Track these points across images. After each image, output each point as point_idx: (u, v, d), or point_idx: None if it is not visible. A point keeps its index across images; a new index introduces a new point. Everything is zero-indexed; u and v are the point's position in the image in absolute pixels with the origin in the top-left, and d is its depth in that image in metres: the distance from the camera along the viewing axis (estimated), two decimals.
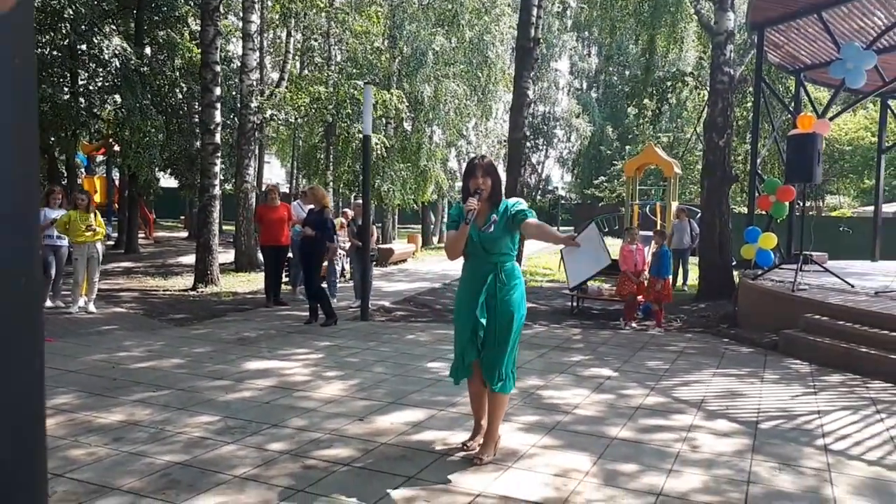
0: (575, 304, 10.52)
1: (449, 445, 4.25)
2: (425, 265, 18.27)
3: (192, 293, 11.21)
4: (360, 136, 9.33)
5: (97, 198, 23.07)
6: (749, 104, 14.97)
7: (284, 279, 11.55)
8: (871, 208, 21.24)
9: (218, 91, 12.59)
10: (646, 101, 15.76)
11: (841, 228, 16.32)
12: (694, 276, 13.41)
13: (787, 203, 9.70)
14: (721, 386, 5.98)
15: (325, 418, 4.73)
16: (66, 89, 16.44)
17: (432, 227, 27.76)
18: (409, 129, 22.24)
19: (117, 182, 23.02)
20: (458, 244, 3.86)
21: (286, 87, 18.30)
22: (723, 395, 5.68)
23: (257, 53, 16.88)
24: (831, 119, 9.58)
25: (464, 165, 22.97)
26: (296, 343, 7.33)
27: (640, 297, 9.51)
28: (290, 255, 10.65)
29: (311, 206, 8.79)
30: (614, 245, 20.98)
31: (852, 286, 8.55)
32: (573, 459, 4.08)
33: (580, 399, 5.41)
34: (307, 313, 8.61)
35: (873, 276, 9.84)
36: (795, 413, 5.18)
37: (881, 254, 12.50)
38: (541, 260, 19.22)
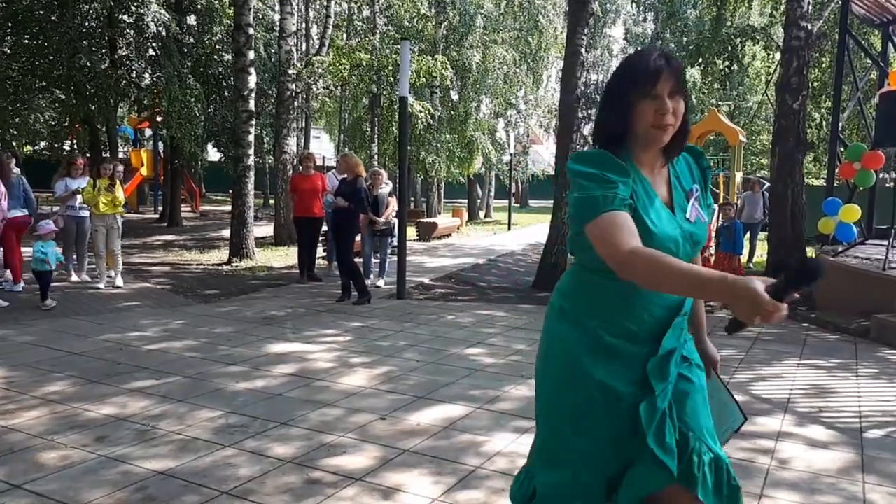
0: None
1: (487, 454, 3.55)
2: (471, 240, 17.54)
3: (225, 268, 10.77)
4: None
5: (144, 171, 23.04)
6: (825, 65, 13.62)
7: (322, 253, 11.00)
8: None
9: (251, 55, 12.00)
10: (714, 60, 14.47)
11: None
12: (761, 253, 12.32)
13: (873, 171, 8.58)
14: (808, 381, 5.11)
15: (342, 416, 4.08)
16: (105, 59, 16.16)
17: (479, 200, 26.94)
18: (457, 99, 21.37)
19: (162, 155, 22.90)
20: (668, 263, 1.50)
21: (327, 54, 17.65)
22: (812, 392, 4.82)
23: (295, 17, 16.19)
24: None
25: (513, 136, 21.80)
26: (324, 323, 6.72)
27: None
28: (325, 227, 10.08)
29: (345, 176, 8.13)
30: None
31: None
32: None
33: None
34: (339, 291, 8.00)
35: None
36: None
37: None
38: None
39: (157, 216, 21.60)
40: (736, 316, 1.42)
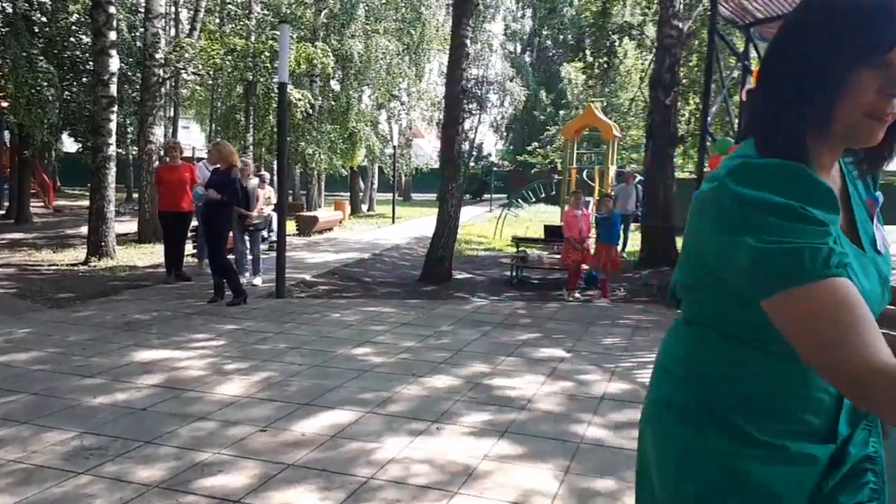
0: (514, 273, 9.73)
1: (379, 462, 3.31)
2: (354, 234, 17.16)
3: (82, 268, 9.78)
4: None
5: None
6: (693, 63, 14.42)
7: (192, 251, 10.28)
8: None
9: (113, 36, 10.97)
10: (591, 57, 14.94)
11: None
12: (634, 243, 12.86)
13: None
14: None
15: (217, 429, 3.69)
16: None
17: (362, 193, 26.51)
18: (338, 89, 20.82)
19: (9, 145, 20.70)
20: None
21: (199, 39, 16.58)
22: None
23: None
24: None
25: (397, 128, 21.41)
26: (194, 327, 6.19)
27: (583, 266, 8.78)
28: (195, 222, 9.38)
29: (217, 166, 7.56)
30: (550, 212, 20.47)
31: None
32: (535, 475, 3.22)
33: (535, 388, 4.57)
34: (212, 291, 7.44)
35: None
36: None
37: None
38: (474, 228, 18.41)
39: (1, 212, 19.52)
40: None
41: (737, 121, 9.83)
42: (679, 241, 11.35)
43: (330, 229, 17.44)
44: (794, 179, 0.96)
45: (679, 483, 1.14)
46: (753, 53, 9.80)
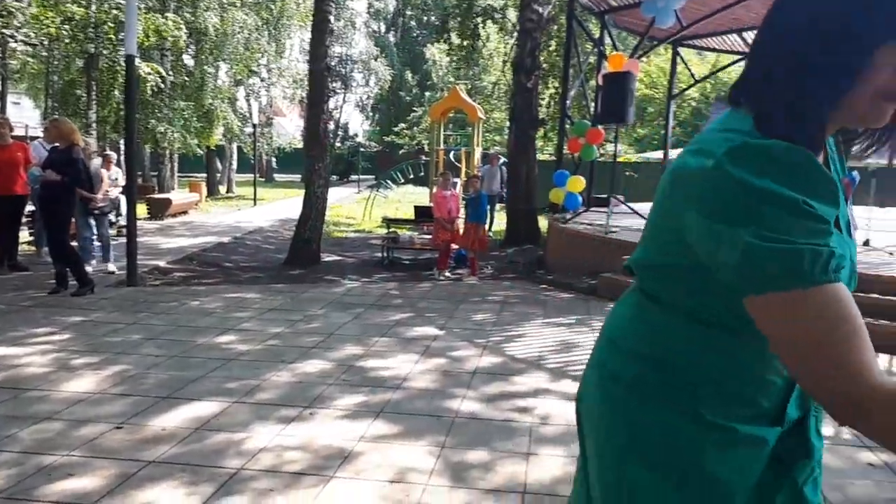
0: (385, 254, 9.69)
1: (250, 452, 3.16)
2: (212, 217, 16.33)
3: None
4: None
5: None
6: (553, 47, 14.94)
7: (28, 238, 9.32)
8: (650, 154, 22.94)
9: None
10: (455, 38, 15.06)
11: (627, 173, 17.20)
12: (499, 223, 13.23)
13: (594, 146, 9.58)
14: (554, 338, 5.48)
15: (66, 430, 3.37)
16: None
17: (220, 174, 25.26)
18: (192, 64, 19.61)
19: None
20: None
21: (30, 5, 14.95)
22: (559, 348, 5.17)
23: None
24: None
25: (256, 106, 20.54)
26: (34, 321, 5.61)
27: (454, 245, 8.91)
28: (31, 207, 8.50)
29: (56, 144, 6.86)
30: (418, 193, 20.57)
31: None
32: (412, 454, 3.22)
33: (409, 367, 4.57)
34: (53, 280, 6.78)
35: None
36: None
37: None
38: (343, 209, 18.15)
39: None
40: None
41: (593, 105, 10.33)
42: (542, 221, 11.82)
43: (185, 212, 16.50)
44: (799, 168, 0.86)
45: (623, 460, 1.09)
46: (608, 40, 10.31)
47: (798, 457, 1.08)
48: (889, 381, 0.81)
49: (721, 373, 1.04)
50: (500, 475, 3.03)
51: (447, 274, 8.56)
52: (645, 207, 10.43)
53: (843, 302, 0.84)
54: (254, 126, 22.15)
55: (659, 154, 16.45)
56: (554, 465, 3.15)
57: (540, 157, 17.09)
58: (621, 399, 1.10)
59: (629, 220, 9.23)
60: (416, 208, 10.89)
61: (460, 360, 4.81)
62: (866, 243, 6.92)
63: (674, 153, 18.18)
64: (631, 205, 9.98)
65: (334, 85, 29.60)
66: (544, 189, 11.43)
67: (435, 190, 9.72)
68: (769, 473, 1.06)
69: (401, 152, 30.97)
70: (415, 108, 31.97)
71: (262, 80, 24.01)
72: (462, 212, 9.18)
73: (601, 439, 1.13)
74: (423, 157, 22.34)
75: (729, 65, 13.78)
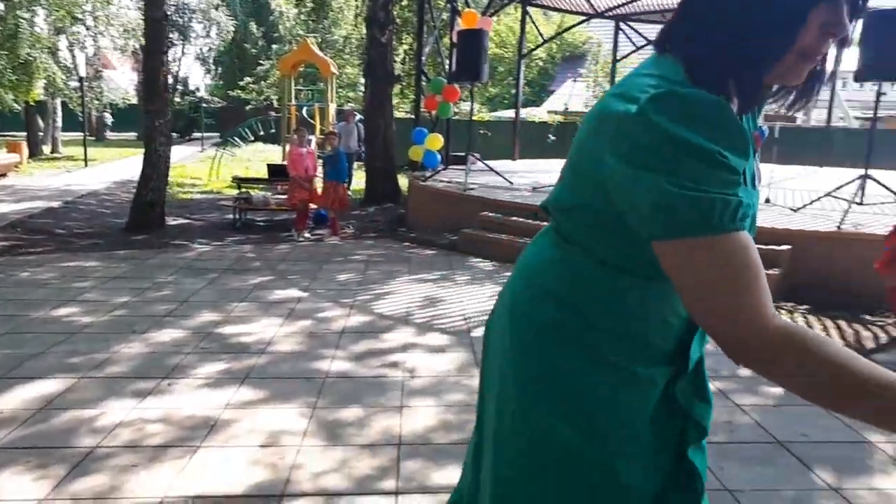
0: (237, 216, 9.27)
1: (105, 429, 2.94)
2: (36, 180, 14.74)
3: None
4: None
5: None
6: (405, 1, 14.74)
7: None
8: (502, 113, 23.57)
9: None
10: None
11: (482, 132, 17.57)
12: (358, 181, 13.07)
13: (451, 103, 9.67)
14: (420, 294, 5.55)
15: None
16: None
17: (42, 133, 22.75)
18: (3, 9, 17.28)
19: None
20: None
21: None
22: (425, 304, 5.25)
23: None
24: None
25: (82, 57, 18.61)
26: None
27: (312, 205, 8.69)
28: None
29: None
30: (270, 151, 19.72)
31: (511, 183, 8.95)
32: (282, 417, 3.15)
33: (273, 331, 4.44)
34: None
35: (521, 173, 10.54)
36: None
37: (519, 154, 13.69)
38: (187, 169, 17.05)
39: None
40: None
41: (447, 62, 10.37)
42: (401, 180, 11.82)
43: (3, 175, 14.77)
44: (718, 120, 0.88)
45: (527, 398, 1.10)
46: None
47: (695, 394, 1.14)
48: (784, 322, 0.88)
49: (627, 316, 1.07)
50: (375, 430, 3.05)
51: (307, 235, 8.36)
52: (500, 165, 10.75)
53: (747, 249, 0.89)
54: (80, 79, 20.08)
55: (511, 113, 16.92)
56: (427, 415, 3.22)
57: (397, 114, 17.03)
58: (531, 338, 1.10)
59: (486, 177, 9.47)
60: (270, 167, 10.47)
61: (327, 320, 4.74)
62: (767, 201, 7.30)
63: (525, 112, 18.85)
64: (487, 163, 10.20)
65: (172, 36, 27.47)
66: (403, 147, 11.40)
67: (289, 147, 9.37)
68: (664, 410, 1.11)
69: (248, 108, 29.45)
70: (261, 62, 30.42)
71: (88, 28, 21.69)
72: (320, 170, 8.96)
73: (507, 374, 1.14)
74: (273, 114, 21.44)
75: (573, 25, 14.32)
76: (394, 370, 3.81)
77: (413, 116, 10.61)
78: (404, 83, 14.94)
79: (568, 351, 1.07)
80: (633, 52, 12.74)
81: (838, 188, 7.02)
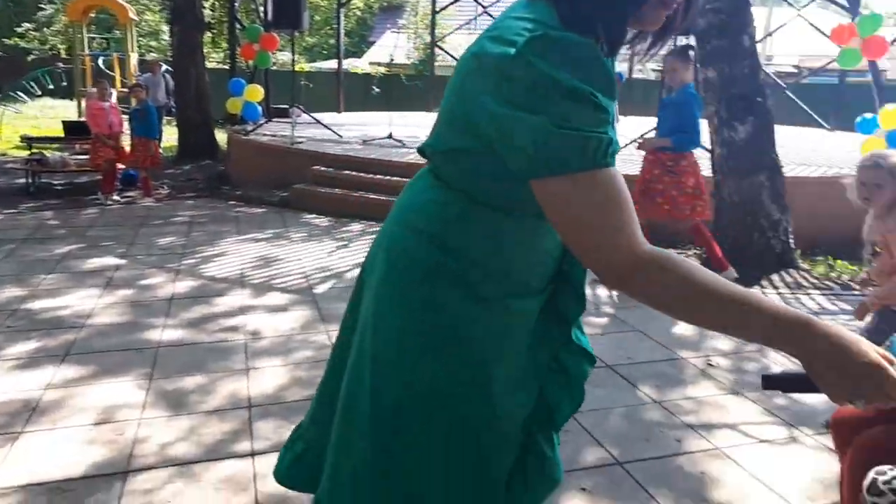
0: (30, 180, 8.22)
1: None
2: None
3: None
4: None
5: None
6: None
7: None
8: (322, 64, 22.86)
9: None
10: None
11: (303, 83, 16.97)
12: (169, 137, 12.09)
13: (269, 52, 9.21)
14: (253, 254, 5.33)
15: None
16: None
17: None
18: None
19: None
20: None
21: None
22: (259, 264, 5.05)
23: None
24: None
25: None
26: None
27: (119, 165, 7.92)
28: None
29: None
30: (62, 106, 17.57)
31: (341, 137, 8.78)
32: (115, 391, 2.92)
33: (91, 303, 4.05)
34: None
35: (349, 125, 10.35)
36: (341, 270, 4.92)
37: (344, 106, 13.41)
38: None
39: None
40: (814, 379, 0.91)
41: (262, 9, 9.80)
42: (219, 134, 11.11)
43: None
44: (591, 63, 0.93)
45: (409, 343, 1.12)
46: None
47: (572, 305, 1.22)
48: (651, 247, 0.96)
49: (507, 255, 1.11)
50: (222, 395, 2.92)
51: (116, 197, 7.62)
52: (326, 118, 10.46)
53: (618, 183, 0.96)
54: None
55: (331, 64, 16.48)
56: (275, 375, 3.14)
57: (208, 64, 15.88)
58: (412, 281, 1.11)
59: (313, 130, 9.20)
60: (66, 124, 9.38)
61: (152, 287, 4.41)
62: None
63: (347, 64, 18.41)
64: (314, 115, 9.87)
65: None
66: (218, 99, 10.70)
67: (86, 102, 8.41)
68: (545, 325, 1.19)
69: (30, 58, 25.96)
70: (42, 6, 26.82)
71: None
72: (126, 126, 8.17)
73: (385, 318, 1.14)
74: (61, 65, 19.11)
75: None
76: (234, 334, 3.65)
77: (227, 67, 9.94)
78: (215, 31, 13.91)
79: (449, 292, 1.10)
80: (453, 2, 12.84)
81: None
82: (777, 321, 0.91)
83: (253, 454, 2.47)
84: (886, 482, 1.46)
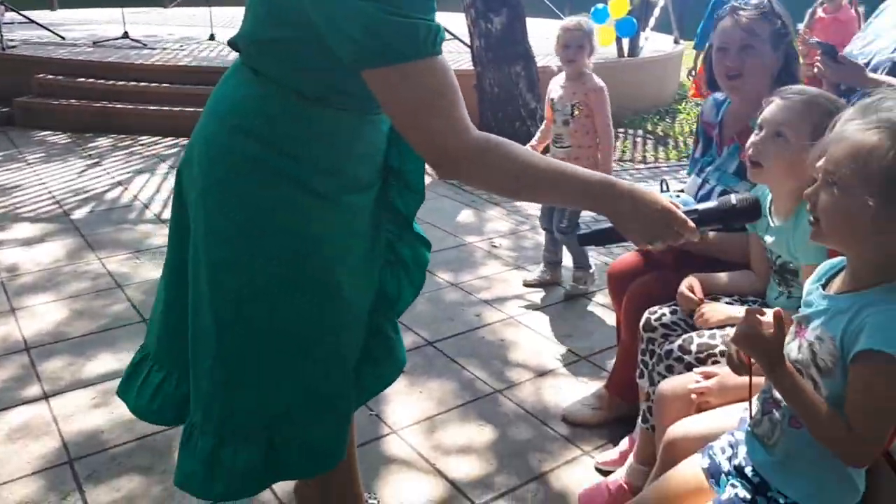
0: None
1: None
2: None
3: None
4: None
5: None
6: None
7: None
8: None
9: None
10: None
11: None
12: None
13: None
14: None
15: None
16: None
17: None
18: None
19: None
20: None
21: None
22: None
23: None
24: None
25: None
26: None
27: None
28: None
29: None
30: None
31: (64, 38, 7.59)
32: None
33: None
34: None
35: (70, 25, 8.90)
36: (98, 191, 4.40)
37: (60, 3, 11.49)
38: None
39: None
40: (620, 230, 1.12)
41: None
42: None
43: None
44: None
45: (240, 242, 1.10)
46: None
47: (410, 198, 1.27)
48: (479, 133, 1.01)
49: (330, 148, 1.10)
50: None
51: None
52: (39, 17, 8.87)
53: (448, 71, 0.98)
54: None
55: None
56: (49, 311, 2.82)
57: None
58: (234, 179, 1.08)
59: (27, 31, 7.83)
60: None
61: None
62: None
63: None
64: (24, 13, 8.28)
65: None
66: None
67: None
68: (381, 219, 1.25)
69: None
70: None
71: None
72: None
73: (211, 220, 1.11)
74: None
75: None
76: None
77: None
78: None
79: (273, 188, 1.08)
80: None
81: None
82: (586, 186, 1.06)
83: (46, 396, 2.25)
84: (657, 319, 1.78)
